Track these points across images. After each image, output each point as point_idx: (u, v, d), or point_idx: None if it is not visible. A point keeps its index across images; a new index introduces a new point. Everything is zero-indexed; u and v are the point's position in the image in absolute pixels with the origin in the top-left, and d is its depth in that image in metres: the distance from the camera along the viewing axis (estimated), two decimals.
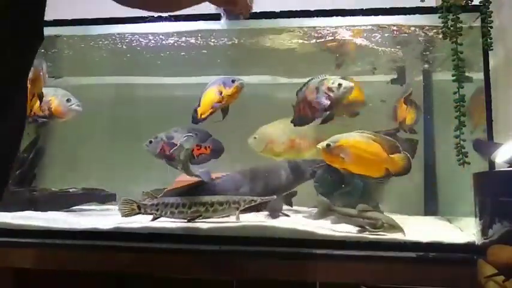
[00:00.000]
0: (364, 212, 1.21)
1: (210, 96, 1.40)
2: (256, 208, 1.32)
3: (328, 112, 1.41)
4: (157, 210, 1.30)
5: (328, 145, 1.30)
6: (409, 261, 1.09)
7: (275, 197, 1.31)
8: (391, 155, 1.27)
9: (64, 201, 1.61)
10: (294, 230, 1.21)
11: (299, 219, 1.35)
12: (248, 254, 1.15)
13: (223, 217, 1.31)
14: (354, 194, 1.45)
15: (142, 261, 1.18)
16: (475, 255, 1.02)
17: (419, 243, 1.13)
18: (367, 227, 1.19)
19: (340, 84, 1.37)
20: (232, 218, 1.30)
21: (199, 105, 1.42)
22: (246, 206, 1.28)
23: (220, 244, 1.17)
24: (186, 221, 1.28)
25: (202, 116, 1.41)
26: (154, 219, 1.31)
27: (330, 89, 1.38)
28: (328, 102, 1.38)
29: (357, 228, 1.21)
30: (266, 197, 1.31)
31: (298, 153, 1.60)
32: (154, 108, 1.81)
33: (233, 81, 1.37)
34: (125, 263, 1.17)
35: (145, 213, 1.31)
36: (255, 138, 1.63)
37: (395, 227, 1.17)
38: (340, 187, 1.45)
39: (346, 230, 1.21)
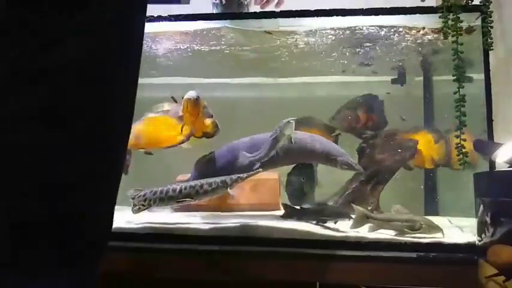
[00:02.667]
0: (401, 215, 1.20)
1: None
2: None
3: None
4: (144, 200, 1.26)
5: None
6: (409, 261, 1.09)
7: (261, 170, 1.28)
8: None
9: None
10: (294, 230, 1.21)
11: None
12: (248, 254, 1.15)
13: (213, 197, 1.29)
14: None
15: (142, 262, 1.18)
16: (476, 255, 1.02)
17: (419, 243, 1.13)
18: (405, 230, 1.17)
19: None
20: (233, 219, 1.30)
21: None
22: (234, 183, 1.25)
23: (220, 244, 1.17)
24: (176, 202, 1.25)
25: None
26: (140, 210, 1.27)
27: None
28: None
29: (395, 232, 1.18)
30: (252, 172, 1.28)
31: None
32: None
33: None
34: (124, 264, 1.17)
35: (134, 206, 1.28)
36: None
37: (434, 228, 1.16)
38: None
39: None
